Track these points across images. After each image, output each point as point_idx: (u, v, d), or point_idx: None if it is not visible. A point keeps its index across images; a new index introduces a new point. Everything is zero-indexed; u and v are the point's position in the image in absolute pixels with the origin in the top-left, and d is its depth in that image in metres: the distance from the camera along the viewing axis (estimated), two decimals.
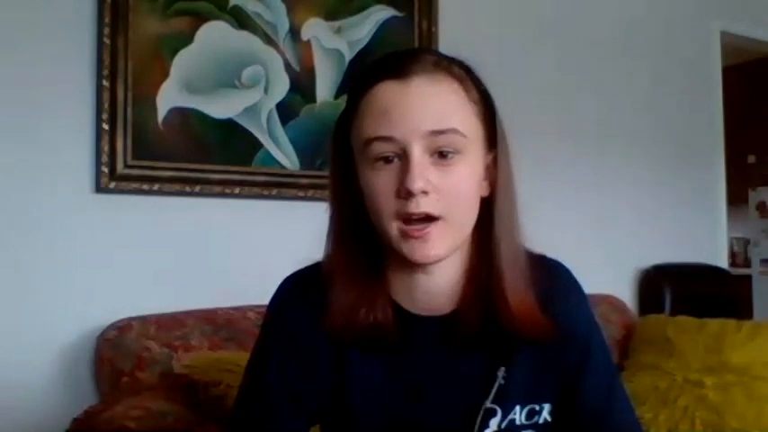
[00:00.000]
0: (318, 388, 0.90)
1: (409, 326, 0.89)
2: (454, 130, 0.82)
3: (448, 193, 0.82)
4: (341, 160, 0.89)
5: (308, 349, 0.89)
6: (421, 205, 0.80)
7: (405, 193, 0.80)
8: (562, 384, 0.90)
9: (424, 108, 0.81)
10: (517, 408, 0.88)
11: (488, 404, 0.87)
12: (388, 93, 0.82)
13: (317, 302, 0.88)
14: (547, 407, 0.89)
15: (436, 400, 0.88)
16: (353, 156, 0.86)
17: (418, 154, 0.80)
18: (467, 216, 0.85)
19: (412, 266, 0.86)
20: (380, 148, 0.81)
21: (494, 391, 0.87)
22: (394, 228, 0.82)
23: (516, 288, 0.86)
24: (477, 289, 0.88)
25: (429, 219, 0.81)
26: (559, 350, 0.89)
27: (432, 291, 0.89)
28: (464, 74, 0.86)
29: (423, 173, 0.80)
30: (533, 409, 0.89)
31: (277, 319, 0.92)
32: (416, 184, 0.79)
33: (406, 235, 0.82)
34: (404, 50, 0.89)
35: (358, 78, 0.88)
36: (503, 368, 0.87)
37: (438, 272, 0.87)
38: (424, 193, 0.80)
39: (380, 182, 0.82)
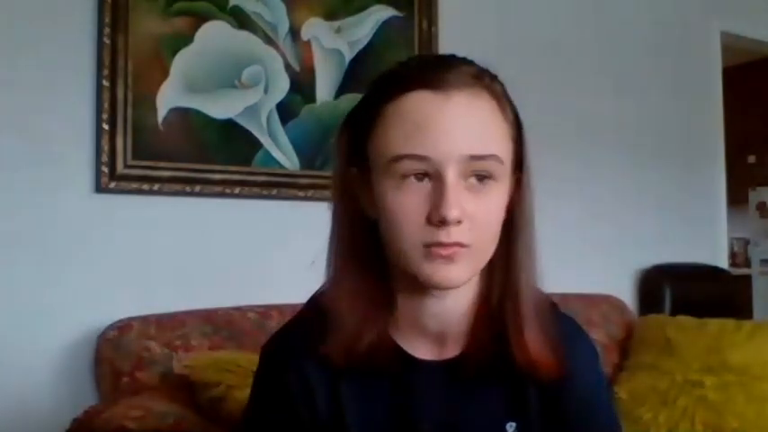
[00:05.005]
0: (318, 425, 0.83)
1: (412, 369, 0.83)
2: (494, 157, 0.75)
3: (480, 223, 0.75)
4: (350, 170, 0.81)
5: (303, 390, 0.83)
6: (452, 235, 0.73)
7: (438, 221, 0.73)
8: None
9: (465, 129, 0.74)
10: None
11: None
12: (423, 106, 0.74)
13: (314, 335, 0.82)
14: None
15: None
16: (368, 166, 0.79)
17: (454, 178, 0.73)
18: (492, 244, 0.79)
19: (424, 291, 0.80)
20: (411, 167, 0.74)
21: None
22: (417, 252, 0.75)
23: (532, 318, 0.81)
24: (489, 317, 0.83)
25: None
26: (565, 401, 0.85)
27: (441, 316, 0.83)
28: (501, 91, 0.80)
29: (458, 199, 0.73)
30: None
31: (269, 370, 0.86)
32: (453, 213, 0.72)
33: (430, 254, 0.74)
34: (437, 56, 0.80)
35: (381, 83, 0.79)
36: (513, 424, 0.83)
37: (451, 296, 0.81)
38: (458, 222, 0.73)
39: (409, 203, 0.74)
